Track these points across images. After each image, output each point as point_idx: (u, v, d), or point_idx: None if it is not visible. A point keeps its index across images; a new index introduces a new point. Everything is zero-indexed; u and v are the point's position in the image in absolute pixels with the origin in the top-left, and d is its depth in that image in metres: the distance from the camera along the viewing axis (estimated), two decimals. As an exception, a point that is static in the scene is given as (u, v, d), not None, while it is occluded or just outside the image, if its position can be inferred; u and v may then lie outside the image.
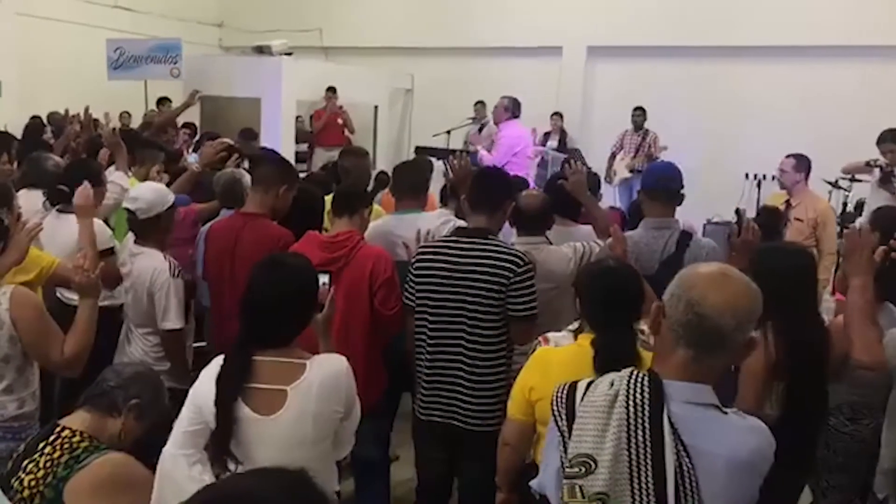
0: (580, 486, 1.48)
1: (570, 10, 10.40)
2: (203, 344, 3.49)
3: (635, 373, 1.54)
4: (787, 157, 5.11)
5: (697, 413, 1.50)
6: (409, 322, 2.95)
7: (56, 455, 2.01)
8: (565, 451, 1.53)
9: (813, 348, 2.50)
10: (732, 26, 9.42)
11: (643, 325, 2.37)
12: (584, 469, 1.48)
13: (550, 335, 2.62)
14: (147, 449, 2.17)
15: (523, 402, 2.28)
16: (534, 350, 2.64)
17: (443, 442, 2.89)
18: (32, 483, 1.99)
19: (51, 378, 2.88)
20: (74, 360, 2.54)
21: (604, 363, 2.07)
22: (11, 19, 9.69)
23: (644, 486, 1.45)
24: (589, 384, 1.58)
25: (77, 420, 2.13)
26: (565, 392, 1.60)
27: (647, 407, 1.48)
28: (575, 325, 2.61)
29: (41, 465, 2.00)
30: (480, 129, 7.61)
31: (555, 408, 1.59)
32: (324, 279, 2.26)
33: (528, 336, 2.71)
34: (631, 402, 1.49)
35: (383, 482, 3.37)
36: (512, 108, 6.62)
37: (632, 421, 1.47)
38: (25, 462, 2.03)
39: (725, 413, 1.54)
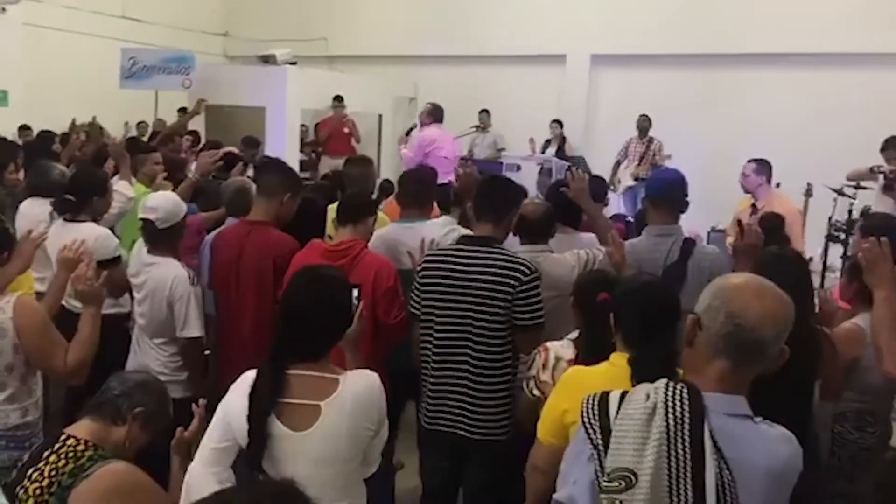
0: (620, 501, 1.46)
1: (573, 18, 10.42)
2: (207, 352, 3.49)
3: (671, 384, 1.51)
4: (749, 161, 5.28)
5: (735, 425, 1.50)
6: (415, 331, 2.95)
7: (60, 464, 2.02)
8: (601, 465, 1.50)
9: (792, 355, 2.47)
10: (736, 34, 9.42)
11: None
12: (624, 483, 1.46)
13: (550, 344, 2.61)
14: (151, 458, 2.18)
15: (556, 426, 2.18)
16: (533, 359, 2.63)
17: (448, 451, 2.88)
18: (37, 492, 1.99)
19: (47, 388, 2.88)
20: (77, 368, 2.54)
21: (644, 381, 2.02)
22: (18, 29, 9.76)
23: (684, 499, 1.43)
24: (622, 396, 1.56)
25: (82, 428, 2.14)
26: (596, 404, 1.57)
27: (686, 419, 1.46)
28: (575, 334, 2.60)
29: (46, 473, 2.01)
30: (408, 133, 8.55)
31: (587, 421, 1.56)
32: (354, 293, 2.24)
33: (533, 345, 2.69)
34: (671, 415, 1.47)
35: (387, 491, 3.37)
36: (434, 114, 7.31)
37: (672, 434, 1.46)
38: (30, 471, 2.04)
39: (756, 423, 1.54)
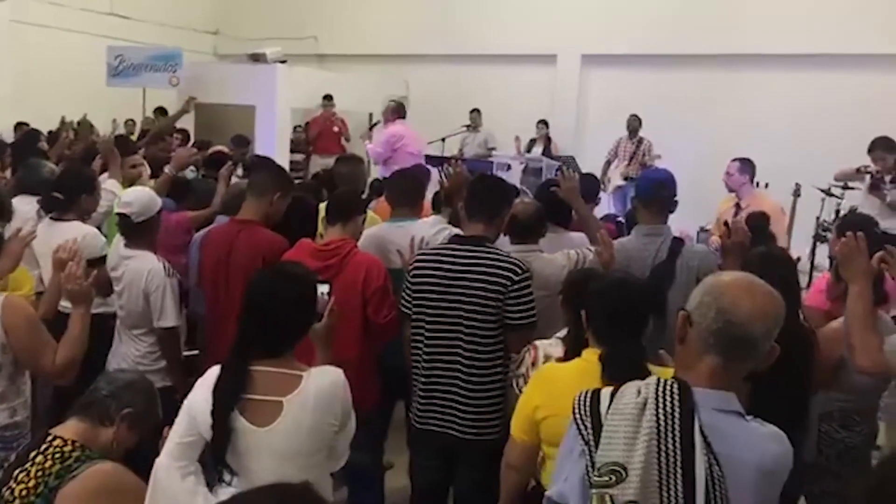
0: (611, 496, 1.47)
1: (564, 18, 10.44)
2: (196, 352, 3.48)
3: (662, 381, 1.53)
4: (733, 160, 5.35)
5: (725, 421, 1.51)
6: (406, 330, 2.94)
7: (47, 465, 2.00)
8: (591, 461, 1.52)
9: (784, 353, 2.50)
10: (727, 35, 9.47)
11: None
12: (614, 478, 1.47)
13: (539, 343, 2.62)
14: (139, 458, 2.16)
15: (528, 422, 2.20)
16: (523, 358, 2.64)
17: (439, 451, 2.88)
18: (23, 492, 1.98)
19: (35, 388, 2.87)
20: (66, 368, 2.52)
21: (613, 376, 2.03)
22: (6, 26, 9.69)
23: (673, 494, 1.44)
24: (613, 393, 1.57)
25: (69, 429, 2.12)
26: (588, 401, 1.58)
27: (676, 415, 1.47)
28: (563, 332, 2.61)
29: (32, 474, 2.00)
30: (371, 128, 9.04)
31: (578, 417, 1.57)
32: (324, 289, 2.26)
33: (525, 345, 2.69)
34: (661, 410, 1.48)
35: (377, 490, 3.36)
36: (398, 111, 7.79)
37: (662, 429, 1.47)
38: (16, 471, 2.02)
39: (747, 420, 1.55)
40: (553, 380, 2.21)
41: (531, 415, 2.19)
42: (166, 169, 4.51)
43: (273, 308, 2.03)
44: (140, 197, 3.25)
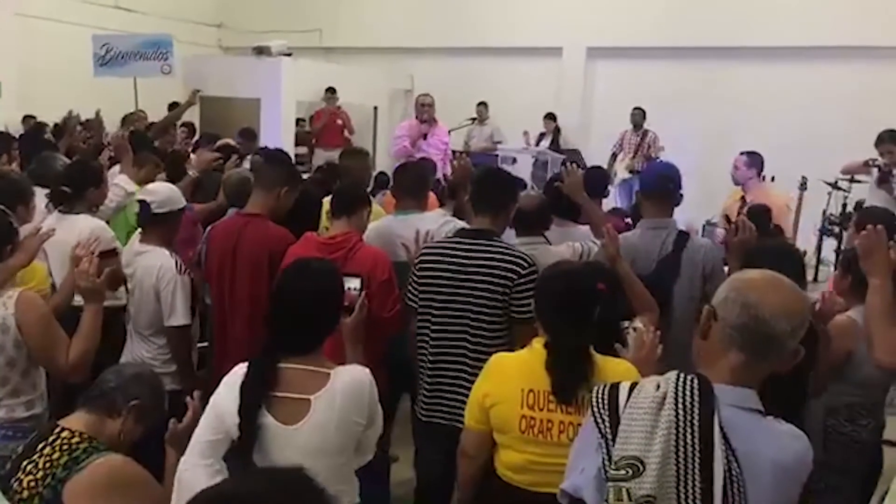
0: (627, 489, 1.46)
1: (570, 10, 10.41)
2: (205, 344, 3.49)
3: (683, 375, 1.52)
4: (741, 154, 5.31)
5: (745, 417, 1.50)
6: (412, 323, 2.95)
7: (55, 456, 2.01)
8: (608, 454, 1.51)
9: None
10: (732, 28, 9.43)
11: (637, 323, 2.37)
12: (631, 471, 1.46)
13: None
14: (145, 451, 2.18)
15: (479, 410, 2.25)
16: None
17: (444, 443, 2.88)
18: (31, 484, 1.99)
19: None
20: (79, 364, 2.52)
21: (555, 364, 2.10)
22: (10, 19, 9.69)
23: (691, 489, 1.43)
24: (632, 387, 1.56)
25: (76, 421, 2.13)
26: (606, 394, 1.57)
27: (696, 410, 1.47)
28: None
29: (40, 465, 2.00)
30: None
31: (596, 410, 1.57)
32: (355, 284, 2.24)
33: (531, 338, 2.70)
34: (680, 405, 1.47)
35: (383, 483, 3.37)
36: None
37: (681, 423, 1.46)
38: (24, 463, 2.03)
39: (765, 418, 1.54)
40: (501, 368, 2.26)
41: (481, 402, 2.23)
42: (189, 171, 4.51)
43: (301, 305, 2.03)
44: (163, 189, 3.25)
